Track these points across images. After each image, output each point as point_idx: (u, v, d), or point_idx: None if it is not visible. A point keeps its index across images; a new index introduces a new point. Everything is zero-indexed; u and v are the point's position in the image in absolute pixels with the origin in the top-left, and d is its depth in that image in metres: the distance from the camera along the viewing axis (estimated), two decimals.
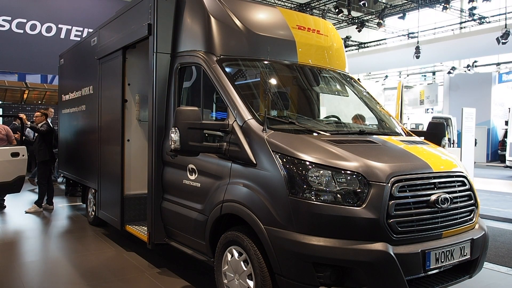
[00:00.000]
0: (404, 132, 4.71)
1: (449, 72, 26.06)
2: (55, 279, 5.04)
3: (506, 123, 25.19)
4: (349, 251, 3.10)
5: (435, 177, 3.53)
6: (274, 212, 3.35)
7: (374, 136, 4.17)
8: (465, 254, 3.57)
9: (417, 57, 17.77)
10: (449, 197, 3.46)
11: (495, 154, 26.21)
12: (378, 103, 5.18)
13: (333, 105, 5.41)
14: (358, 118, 5.37)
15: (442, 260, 3.38)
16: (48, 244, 6.58)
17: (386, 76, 29.50)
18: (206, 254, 4.27)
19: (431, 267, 3.30)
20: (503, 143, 24.85)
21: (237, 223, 3.83)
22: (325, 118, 5.17)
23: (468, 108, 11.31)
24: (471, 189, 3.79)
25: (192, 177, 4.42)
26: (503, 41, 15.40)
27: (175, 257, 5.73)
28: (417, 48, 17.92)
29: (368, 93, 5.29)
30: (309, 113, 5.04)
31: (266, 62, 4.54)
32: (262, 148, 3.57)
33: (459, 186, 3.69)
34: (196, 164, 4.38)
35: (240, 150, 3.75)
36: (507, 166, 19.68)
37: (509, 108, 20.09)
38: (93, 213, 7.41)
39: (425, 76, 32.63)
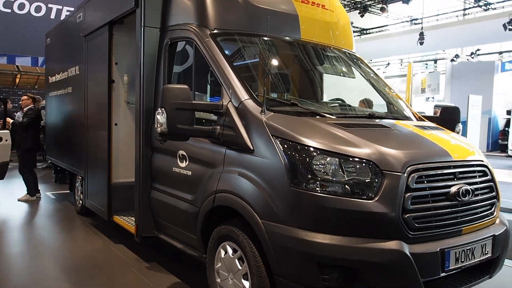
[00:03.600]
0: (415, 117, 4.30)
1: (452, 60, 25.59)
2: (35, 273, 4.64)
3: (508, 112, 24.82)
4: (359, 250, 2.70)
5: (455, 167, 3.12)
6: (273, 205, 2.95)
7: (385, 120, 3.76)
8: (486, 252, 3.18)
9: (421, 43, 17.31)
10: (471, 189, 3.06)
11: (496, 143, 25.83)
12: (386, 85, 4.75)
13: (338, 88, 4.98)
14: (365, 102, 4.95)
15: (463, 260, 2.99)
16: (31, 234, 6.19)
17: (388, 64, 29.00)
18: (198, 250, 3.87)
19: (450, 268, 2.91)
20: (504, 133, 24.47)
21: (232, 216, 3.42)
22: (329, 101, 4.74)
23: (474, 96, 10.90)
24: (492, 180, 3.39)
25: (183, 165, 4.01)
26: (510, 27, 14.93)
27: (166, 251, 5.34)
28: (421, 34, 17.45)
29: (376, 74, 4.86)
30: (312, 95, 4.62)
31: (265, 38, 4.10)
32: (260, 132, 3.16)
33: (480, 176, 3.29)
34: (187, 150, 3.96)
35: (235, 134, 3.33)
36: (508, 156, 19.33)
37: None
38: (80, 202, 7.00)
39: (426, 64, 32.15)
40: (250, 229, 3.13)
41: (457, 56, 25.46)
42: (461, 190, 2.97)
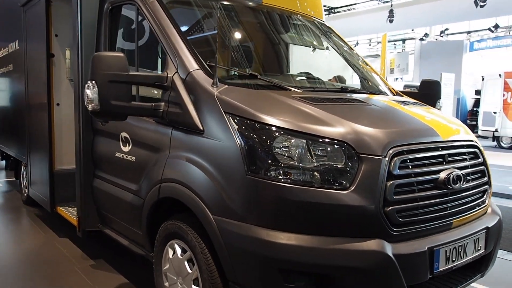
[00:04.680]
0: (392, 93, 3.81)
1: (421, 39, 25.39)
2: None
3: (477, 92, 24.89)
4: (331, 253, 2.19)
5: (443, 148, 2.64)
6: (226, 198, 2.40)
7: (359, 94, 3.25)
8: (479, 248, 2.73)
9: (391, 21, 16.90)
10: (462, 174, 2.58)
11: (464, 124, 26.00)
12: (360, 57, 4.23)
13: (306, 61, 4.43)
14: (337, 80, 4.42)
15: (454, 259, 2.53)
16: None
17: (357, 43, 28.64)
18: (145, 247, 3.31)
19: (440, 269, 2.45)
20: (472, 113, 24.57)
21: (181, 210, 2.86)
22: (296, 74, 4.19)
23: (447, 74, 10.56)
24: (484, 163, 2.93)
25: (126, 149, 3.42)
26: (481, 3, 14.65)
27: (115, 246, 4.72)
28: (391, 11, 17.03)
29: (349, 47, 4.33)
30: (276, 67, 4.06)
31: (222, 3, 3.51)
32: (210, 108, 2.60)
33: (471, 159, 2.82)
34: (129, 132, 3.37)
35: (182, 111, 2.76)
36: (478, 136, 19.33)
37: (482, 77, 19.59)
38: (26, 191, 6.30)
39: (395, 44, 31.99)
40: (201, 226, 2.59)
41: (426, 35, 25.27)
42: (451, 176, 2.50)
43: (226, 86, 2.68)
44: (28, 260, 4.34)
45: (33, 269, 4.12)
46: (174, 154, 2.83)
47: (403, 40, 30.79)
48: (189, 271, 2.74)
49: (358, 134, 2.34)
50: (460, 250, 2.55)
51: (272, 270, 2.25)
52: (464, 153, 2.77)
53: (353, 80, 4.06)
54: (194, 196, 2.58)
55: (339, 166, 2.28)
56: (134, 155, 3.31)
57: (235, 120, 2.44)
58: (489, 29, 21.48)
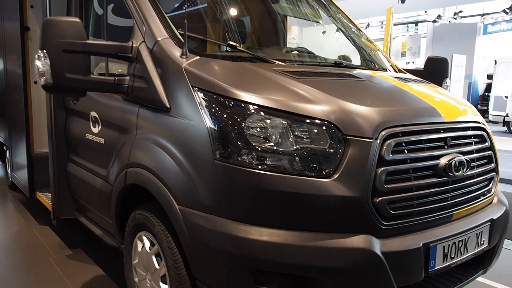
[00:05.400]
0: (395, 70, 3.44)
1: (434, 21, 24.67)
2: None
3: (489, 76, 24.22)
4: (309, 251, 1.87)
5: (445, 130, 2.28)
6: (194, 186, 2.08)
7: (356, 70, 2.89)
8: (482, 242, 2.39)
9: (402, 1, 16.26)
10: (466, 159, 2.23)
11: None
12: (361, 30, 3.85)
13: (299, 36, 4.06)
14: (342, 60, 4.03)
15: (453, 256, 2.19)
16: None
17: (368, 25, 27.95)
18: (116, 238, 3.02)
19: (436, 268, 2.12)
20: (483, 98, 23.96)
21: (151, 198, 2.54)
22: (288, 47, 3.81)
23: (458, 55, 10.09)
24: (491, 147, 2.57)
25: (96, 130, 3.10)
26: None
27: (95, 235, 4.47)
28: None
29: (350, 20, 3.94)
30: (265, 39, 3.68)
31: None
32: (178, 82, 2.26)
33: (476, 143, 2.46)
34: (98, 111, 3.06)
35: (147, 86, 2.43)
36: (489, 121, 18.80)
37: (495, 60, 18.98)
38: (10, 176, 6.04)
39: (407, 27, 31.23)
40: (168, 217, 2.28)
41: (439, 17, 24.54)
42: (453, 161, 2.15)
43: (198, 57, 2.34)
44: (3, 248, 4.08)
45: (6, 257, 3.85)
46: (141, 135, 2.51)
47: (416, 23, 30.04)
48: (157, 266, 2.44)
49: (345, 113, 1.99)
50: (460, 245, 2.22)
51: (241, 269, 1.93)
52: (469, 136, 2.42)
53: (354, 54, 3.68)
54: (159, 183, 2.26)
55: (322, 150, 1.95)
56: (103, 137, 3.00)
57: (204, 96, 2.11)
58: (504, 10, 20.74)
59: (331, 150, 1.93)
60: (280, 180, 1.90)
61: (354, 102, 2.05)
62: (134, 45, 2.52)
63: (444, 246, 2.13)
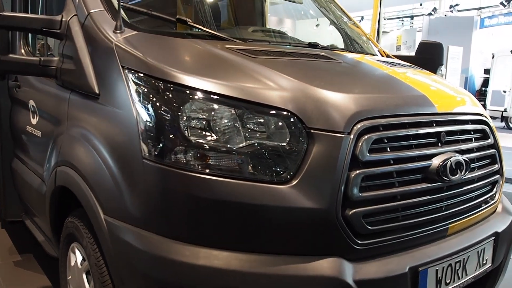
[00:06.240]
0: (382, 55, 3.01)
1: (429, 14, 24.25)
2: None
3: (485, 71, 23.84)
4: (259, 280, 1.44)
5: (439, 123, 1.85)
6: (120, 191, 1.65)
7: (334, 52, 2.44)
8: (484, 262, 1.96)
9: None
10: (464, 159, 1.80)
11: None
12: (346, 13, 3.41)
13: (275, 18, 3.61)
14: None
15: (448, 281, 1.76)
16: None
17: (362, 18, 27.50)
18: (56, 247, 2.59)
19: None
20: (480, 93, 23.61)
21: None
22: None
23: (455, 47, 9.67)
24: (495, 145, 2.15)
25: (34, 121, 2.67)
26: None
27: None
28: None
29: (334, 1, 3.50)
30: (232, 17, 3.22)
31: None
32: (107, 62, 1.82)
33: (477, 139, 2.04)
34: (35, 100, 2.62)
35: (76, 68, 1.99)
36: None
37: (493, 54, 18.57)
38: None
39: (402, 21, 30.82)
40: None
41: (435, 9, 24.13)
42: (449, 162, 1.72)
43: (135, 32, 1.90)
44: None
45: None
46: (71, 127, 2.08)
47: (411, 17, 29.69)
48: (87, 286, 2.01)
49: (309, 100, 1.56)
50: (457, 267, 1.79)
51: None
52: (468, 131, 1.99)
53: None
54: (85, 186, 1.83)
55: (277, 148, 1.51)
56: (40, 129, 2.57)
57: (135, 79, 1.67)
58: (501, 3, 20.35)
59: (290, 148, 1.50)
60: (224, 187, 1.47)
61: (322, 87, 1.61)
62: (64, 19, 2.08)
63: (437, 270, 1.70)
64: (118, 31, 1.86)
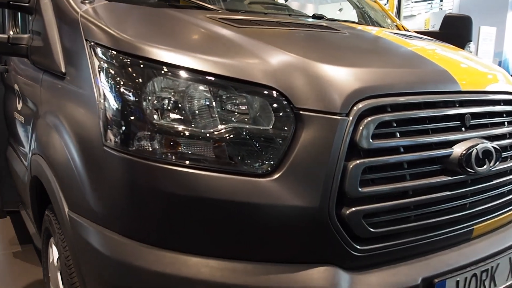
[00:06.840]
0: (400, 29, 2.68)
1: None
2: None
3: None
4: None
5: (463, 103, 1.54)
6: (82, 184, 1.42)
7: (339, 23, 2.14)
8: None
9: None
10: (493, 147, 1.49)
11: None
12: None
13: None
14: None
15: None
16: None
17: (388, 1, 26.71)
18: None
19: None
20: None
21: None
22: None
23: (487, 27, 9.09)
24: None
25: (19, 106, 2.49)
26: None
27: None
28: None
29: None
30: None
31: None
32: (72, 35, 1.60)
33: (510, 124, 1.71)
34: (18, 83, 2.44)
35: (44, 45, 1.76)
36: None
37: None
38: None
39: (431, 3, 29.81)
40: None
41: None
42: (474, 151, 1.42)
43: (106, 2, 1.66)
44: None
45: None
46: (43, 111, 1.87)
47: None
48: (61, 286, 1.81)
49: (298, 75, 1.28)
50: (484, 278, 1.49)
51: None
52: (500, 113, 1.67)
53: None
54: (53, 177, 1.62)
55: (260, 132, 1.25)
56: (23, 115, 2.38)
57: (99, 53, 1.43)
58: None
59: (274, 133, 1.23)
60: (195, 179, 1.23)
61: (316, 60, 1.33)
62: None
63: (457, 281, 1.41)
64: (86, 1, 1.63)
